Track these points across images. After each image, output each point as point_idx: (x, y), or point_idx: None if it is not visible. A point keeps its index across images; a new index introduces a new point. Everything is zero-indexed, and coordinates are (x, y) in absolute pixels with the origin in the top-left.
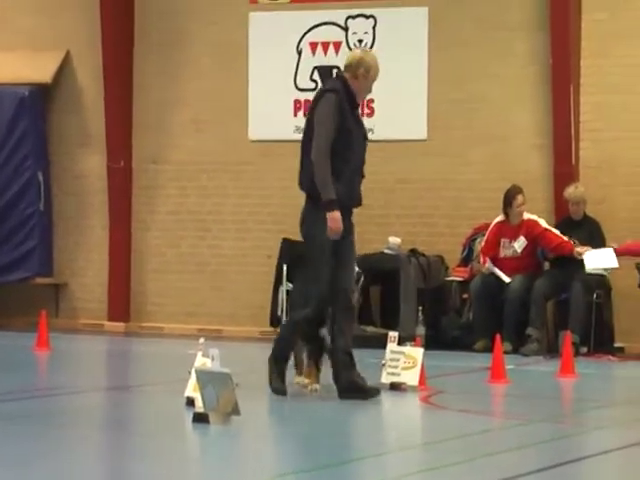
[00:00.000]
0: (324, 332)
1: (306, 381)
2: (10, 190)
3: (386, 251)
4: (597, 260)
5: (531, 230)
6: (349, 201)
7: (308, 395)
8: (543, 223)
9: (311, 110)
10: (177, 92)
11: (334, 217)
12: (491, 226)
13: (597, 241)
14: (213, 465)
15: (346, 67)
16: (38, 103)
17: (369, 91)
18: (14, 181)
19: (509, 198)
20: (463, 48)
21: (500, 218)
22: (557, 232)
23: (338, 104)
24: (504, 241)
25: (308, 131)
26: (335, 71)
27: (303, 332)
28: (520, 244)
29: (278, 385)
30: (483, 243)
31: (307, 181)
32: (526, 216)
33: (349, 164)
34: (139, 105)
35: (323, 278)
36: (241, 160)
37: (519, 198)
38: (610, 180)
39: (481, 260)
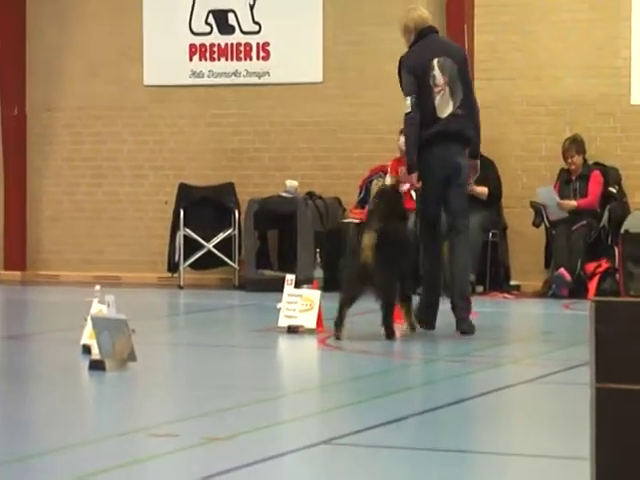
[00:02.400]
0: None
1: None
2: None
3: (283, 194)
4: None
5: None
6: None
7: (204, 340)
8: None
9: (463, 63)
10: (70, 36)
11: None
12: (390, 163)
13: (492, 181)
14: (109, 411)
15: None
16: None
17: None
18: None
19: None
20: None
21: (397, 155)
22: None
23: None
24: (401, 169)
25: (466, 82)
26: None
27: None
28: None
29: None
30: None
31: (471, 131)
32: None
33: None
34: (32, 51)
35: None
36: (136, 105)
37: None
38: (505, 119)
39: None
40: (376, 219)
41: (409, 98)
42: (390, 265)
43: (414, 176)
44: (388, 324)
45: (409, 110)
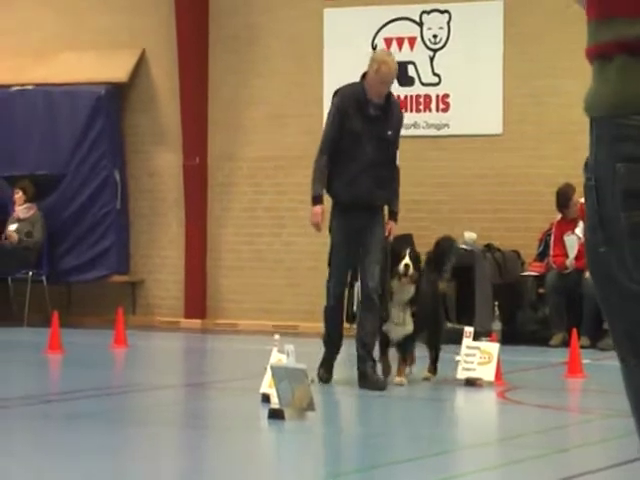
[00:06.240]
0: (385, 327)
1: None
2: (87, 189)
3: (461, 246)
4: None
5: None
6: (351, 199)
7: (381, 391)
8: None
9: None
10: (252, 89)
11: (313, 211)
12: (553, 230)
13: None
14: (289, 461)
15: None
16: (114, 102)
17: (382, 87)
18: (91, 180)
19: (566, 199)
20: (537, 42)
21: (558, 218)
22: None
23: (338, 105)
24: (567, 235)
25: None
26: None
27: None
28: (581, 228)
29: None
30: (552, 250)
31: None
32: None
33: (355, 163)
34: (214, 102)
35: (334, 274)
36: None
37: (575, 198)
38: None
39: (553, 263)
40: None
41: None
42: None
43: None
44: None
45: None
